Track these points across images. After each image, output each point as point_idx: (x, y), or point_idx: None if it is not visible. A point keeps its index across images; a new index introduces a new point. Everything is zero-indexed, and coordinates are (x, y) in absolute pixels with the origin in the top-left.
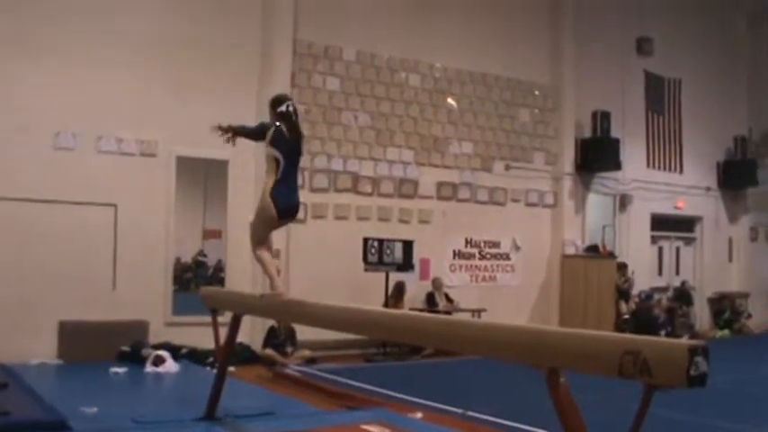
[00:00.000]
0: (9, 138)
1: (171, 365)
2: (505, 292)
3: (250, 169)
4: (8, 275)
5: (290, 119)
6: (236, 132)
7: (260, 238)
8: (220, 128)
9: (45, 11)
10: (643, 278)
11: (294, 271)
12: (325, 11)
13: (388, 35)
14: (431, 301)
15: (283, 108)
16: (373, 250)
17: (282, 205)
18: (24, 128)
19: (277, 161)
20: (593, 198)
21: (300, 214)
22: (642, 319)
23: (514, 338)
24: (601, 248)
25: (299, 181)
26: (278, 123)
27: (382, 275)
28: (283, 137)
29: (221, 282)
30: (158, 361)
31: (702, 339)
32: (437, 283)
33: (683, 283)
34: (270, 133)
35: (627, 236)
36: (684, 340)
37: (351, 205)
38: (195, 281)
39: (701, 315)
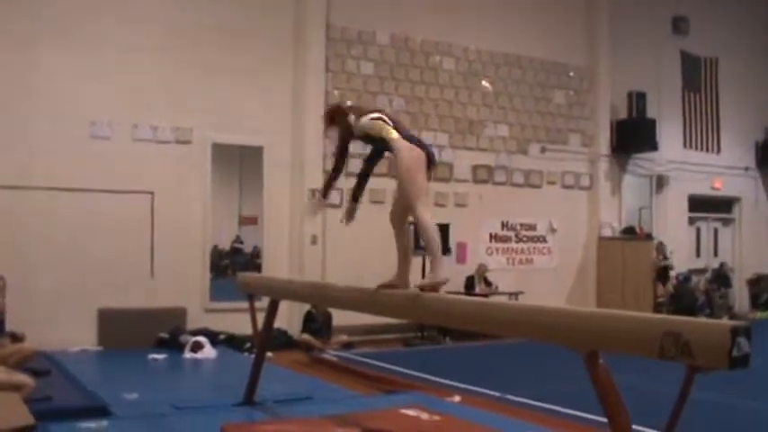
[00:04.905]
0: (46, 128)
1: (209, 351)
2: (542, 275)
3: (285, 155)
4: (47, 264)
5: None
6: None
7: (423, 193)
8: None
9: (76, 1)
10: (681, 260)
11: (330, 256)
12: None
13: (422, 18)
14: (469, 284)
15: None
16: (410, 234)
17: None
18: (60, 118)
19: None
20: (629, 179)
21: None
22: (681, 302)
23: (553, 320)
24: (638, 230)
25: None
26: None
27: (419, 260)
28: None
29: (258, 268)
30: (196, 347)
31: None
32: (481, 269)
33: (722, 265)
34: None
35: (664, 217)
36: (726, 321)
37: (386, 189)
38: (232, 267)
39: (739, 296)
